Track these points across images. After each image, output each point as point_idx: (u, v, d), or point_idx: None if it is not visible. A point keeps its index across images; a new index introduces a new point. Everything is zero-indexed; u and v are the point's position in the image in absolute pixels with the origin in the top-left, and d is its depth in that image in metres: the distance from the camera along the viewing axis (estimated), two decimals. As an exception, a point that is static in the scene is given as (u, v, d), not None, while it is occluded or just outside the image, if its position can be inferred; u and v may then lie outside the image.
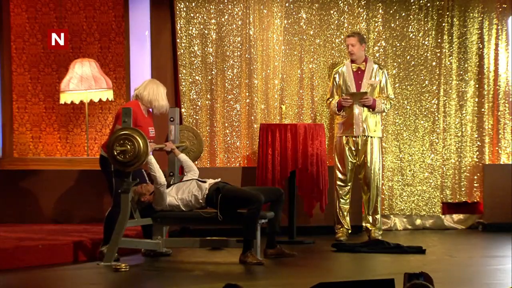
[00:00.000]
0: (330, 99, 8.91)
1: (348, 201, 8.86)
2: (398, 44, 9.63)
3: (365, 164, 8.78)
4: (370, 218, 8.83)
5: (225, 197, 7.45)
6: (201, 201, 7.56)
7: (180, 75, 9.43)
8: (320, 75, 9.57)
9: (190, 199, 7.57)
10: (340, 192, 8.84)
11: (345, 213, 8.85)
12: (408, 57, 9.65)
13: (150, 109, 7.80)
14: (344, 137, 8.81)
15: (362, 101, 8.70)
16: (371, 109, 8.74)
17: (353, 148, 8.80)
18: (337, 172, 8.86)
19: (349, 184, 8.84)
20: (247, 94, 9.53)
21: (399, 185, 9.62)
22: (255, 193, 7.40)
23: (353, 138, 8.79)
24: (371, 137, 8.79)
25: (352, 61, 8.86)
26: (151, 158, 7.42)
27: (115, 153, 7.11)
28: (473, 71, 9.70)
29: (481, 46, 9.70)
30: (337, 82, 8.86)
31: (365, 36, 9.17)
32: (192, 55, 9.48)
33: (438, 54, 9.67)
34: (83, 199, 9.20)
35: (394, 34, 9.63)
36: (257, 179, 8.91)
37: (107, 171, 7.54)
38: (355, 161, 8.83)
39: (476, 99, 9.72)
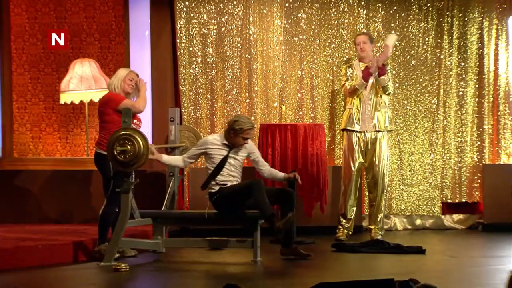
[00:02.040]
0: (349, 83, 8.74)
1: (355, 202, 8.83)
2: (398, 44, 9.63)
3: (373, 164, 8.74)
4: (373, 218, 8.80)
5: (223, 197, 7.44)
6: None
7: (180, 75, 9.43)
8: (320, 75, 9.58)
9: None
10: (349, 193, 8.79)
11: (351, 215, 8.81)
12: (408, 57, 9.66)
13: (129, 94, 7.75)
14: (354, 135, 8.73)
15: (385, 46, 8.61)
16: (378, 75, 8.63)
17: (363, 148, 8.75)
18: (346, 172, 8.81)
19: (357, 185, 8.81)
20: (247, 94, 9.54)
21: (399, 185, 9.62)
22: (250, 179, 7.45)
23: (363, 137, 8.72)
24: (382, 132, 8.72)
25: (360, 60, 8.83)
26: (165, 158, 7.53)
27: (115, 153, 7.11)
28: (473, 71, 9.71)
29: (481, 46, 9.71)
30: (350, 73, 8.78)
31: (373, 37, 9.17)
32: (192, 55, 9.48)
33: (438, 54, 9.67)
34: (83, 199, 9.20)
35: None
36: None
37: (103, 168, 7.52)
38: (363, 160, 8.79)
39: (476, 99, 9.72)
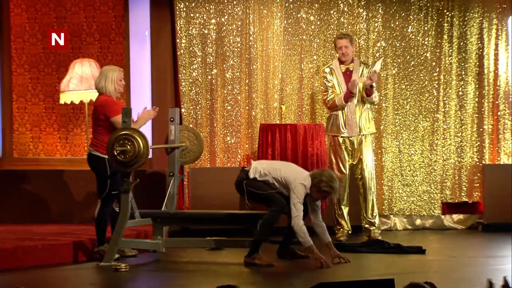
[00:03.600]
0: (329, 96, 8.75)
1: (347, 202, 8.83)
2: (398, 44, 9.62)
3: (361, 164, 8.75)
4: (369, 218, 8.80)
5: (251, 186, 7.43)
6: None
7: (180, 75, 9.43)
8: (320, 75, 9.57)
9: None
10: (341, 193, 8.79)
11: (345, 215, 8.82)
12: (408, 57, 9.65)
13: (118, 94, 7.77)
14: (340, 138, 8.75)
15: (373, 74, 8.53)
16: (366, 95, 8.64)
17: (349, 149, 8.76)
18: (336, 173, 8.81)
19: (348, 185, 8.81)
20: (247, 94, 9.54)
21: (399, 185, 9.62)
22: (279, 197, 7.36)
23: (350, 138, 8.75)
24: (365, 135, 8.74)
25: (340, 62, 8.81)
26: (301, 226, 7.22)
27: (115, 153, 7.10)
28: (473, 71, 9.70)
29: (481, 46, 9.70)
30: (330, 81, 8.76)
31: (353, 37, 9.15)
32: (192, 55, 9.48)
33: (438, 54, 9.67)
34: (83, 199, 9.20)
35: (394, 34, 9.63)
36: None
37: (97, 169, 7.51)
38: (351, 161, 8.80)
39: (476, 99, 9.72)
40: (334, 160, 8.79)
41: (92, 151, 7.52)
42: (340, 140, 8.74)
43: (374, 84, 8.63)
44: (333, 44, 9.06)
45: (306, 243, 7.21)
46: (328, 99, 8.73)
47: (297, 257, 7.60)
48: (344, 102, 8.64)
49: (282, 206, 7.30)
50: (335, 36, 9.47)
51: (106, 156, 7.35)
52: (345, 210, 8.81)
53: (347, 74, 8.75)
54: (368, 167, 8.73)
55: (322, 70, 8.88)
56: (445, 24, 9.66)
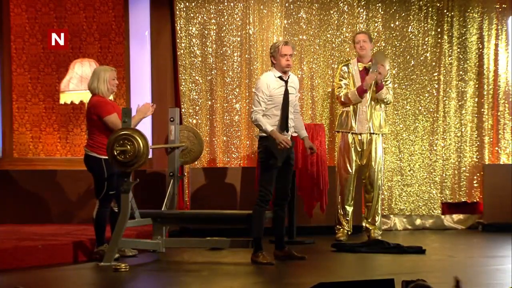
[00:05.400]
0: (342, 91, 8.72)
1: (352, 202, 8.82)
2: (398, 44, 9.63)
3: (369, 164, 8.75)
4: (371, 218, 8.81)
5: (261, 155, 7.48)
6: None
7: (180, 75, 9.43)
8: (320, 75, 9.58)
9: None
10: (346, 193, 8.79)
11: (349, 215, 8.81)
12: (408, 57, 9.65)
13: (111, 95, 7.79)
14: (350, 136, 8.74)
15: (380, 67, 8.56)
16: (376, 90, 8.63)
17: (358, 149, 8.76)
18: (342, 172, 8.81)
19: (354, 185, 8.81)
20: (247, 94, 9.54)
21: (399, 185, 9.62)
22: (267, 189, 7.38)
23: (359, 138, 8.74)
24: (376, 134, 8.74)
25: (359, 60, 8.82)
26: (257, 120, 7.37)
27: (115, 153, 7.10)
28: (473, 71, 9.71)
29: (481, 46, 9.70)
30: (346, 77, 8.76)
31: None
32: (192, 55, 9.48)
33: (438, 54, 9.67)
34: (83, 199, 9.20)
35: (394, 34, 9.63)
36: (257, 179, 8.89)
37: (94, 170, 7.50)
38: (360, 162, 8.79)
39: (476, 99, 9.72)
40: (341, 159, 8.80)
41: (88, 152, 7.51)
42: (350, 139, 8.74)
43: (387, 78, 8.67)
44: (351, 41, 9.11)
45: (267, 131, 7.32)
46: (341, 94, 8.73)
47: (293, 258, 7.59)
48: (358, 97, 8.63)
49: (263, 198, 7.33)
50: (334, 36, 9.52)
51: (103, 157, 7.37)
52: (350, 210, 8.81)
53: (364, 72, 8.74)
54: (376, 170, 8.73)
55: (340, 67, 8.87)
56: (445, 24, 9.67)
